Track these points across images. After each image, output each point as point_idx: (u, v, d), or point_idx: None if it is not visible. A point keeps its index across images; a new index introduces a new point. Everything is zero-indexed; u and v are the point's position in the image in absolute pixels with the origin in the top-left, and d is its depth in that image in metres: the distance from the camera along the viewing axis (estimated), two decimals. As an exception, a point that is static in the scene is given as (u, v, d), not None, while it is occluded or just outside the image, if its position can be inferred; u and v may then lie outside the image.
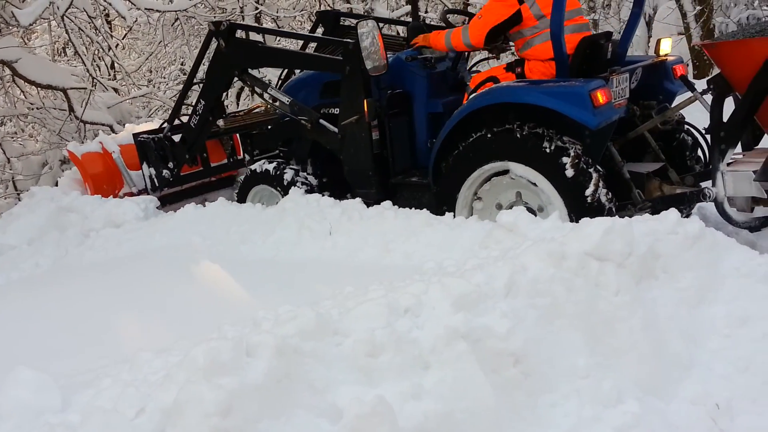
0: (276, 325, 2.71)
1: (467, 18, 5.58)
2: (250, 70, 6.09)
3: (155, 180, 6.57)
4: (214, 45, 6.14)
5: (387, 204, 4.93)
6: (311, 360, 2.62)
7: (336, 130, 5.41)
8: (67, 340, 3.72)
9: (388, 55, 5.16)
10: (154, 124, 7.34)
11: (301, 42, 6.77)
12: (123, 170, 6.75)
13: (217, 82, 6.14)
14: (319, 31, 6.53)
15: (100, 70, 12.45)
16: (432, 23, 6.92)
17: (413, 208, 4.83)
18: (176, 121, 6.65)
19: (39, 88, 10.41)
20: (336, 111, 5.49)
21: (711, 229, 3.46)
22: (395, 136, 5.30)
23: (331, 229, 4.78)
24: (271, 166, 5.81)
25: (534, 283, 3.02)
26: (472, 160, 4.67)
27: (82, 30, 10.99)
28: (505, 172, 4.62)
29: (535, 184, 4.48)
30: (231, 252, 4.88)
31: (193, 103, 6.43)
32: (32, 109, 11.00)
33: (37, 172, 11.25)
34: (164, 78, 17.55)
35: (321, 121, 5.52)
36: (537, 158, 4.39)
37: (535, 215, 4.33)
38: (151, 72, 17.80)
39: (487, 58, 5.66)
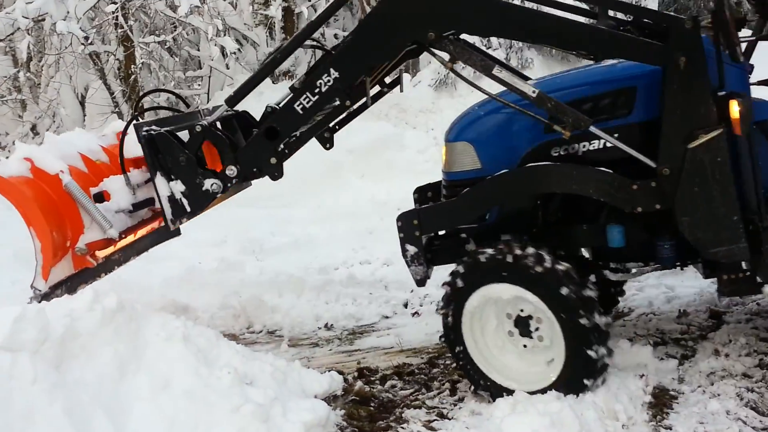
0: None
1: None
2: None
3: (184, 201, 3.97)
4: None
5: None
6: None
7: (648, 162, 3.43)
8: None
9: None
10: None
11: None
12: (83, 201, 3.96)
13: (378, 46, 3.68)
14: None
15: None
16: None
17: None
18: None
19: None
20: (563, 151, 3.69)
21: (129, 301, 3.58)
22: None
23: None
24: (536, 253, 3.49)
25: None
26: None
27: None
28: None
29: None
30: None
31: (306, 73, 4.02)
32: None
33: None
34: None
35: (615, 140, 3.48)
36: None
37: None
38: None
39: None
